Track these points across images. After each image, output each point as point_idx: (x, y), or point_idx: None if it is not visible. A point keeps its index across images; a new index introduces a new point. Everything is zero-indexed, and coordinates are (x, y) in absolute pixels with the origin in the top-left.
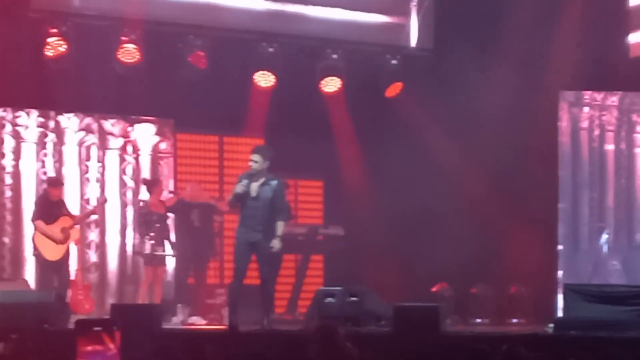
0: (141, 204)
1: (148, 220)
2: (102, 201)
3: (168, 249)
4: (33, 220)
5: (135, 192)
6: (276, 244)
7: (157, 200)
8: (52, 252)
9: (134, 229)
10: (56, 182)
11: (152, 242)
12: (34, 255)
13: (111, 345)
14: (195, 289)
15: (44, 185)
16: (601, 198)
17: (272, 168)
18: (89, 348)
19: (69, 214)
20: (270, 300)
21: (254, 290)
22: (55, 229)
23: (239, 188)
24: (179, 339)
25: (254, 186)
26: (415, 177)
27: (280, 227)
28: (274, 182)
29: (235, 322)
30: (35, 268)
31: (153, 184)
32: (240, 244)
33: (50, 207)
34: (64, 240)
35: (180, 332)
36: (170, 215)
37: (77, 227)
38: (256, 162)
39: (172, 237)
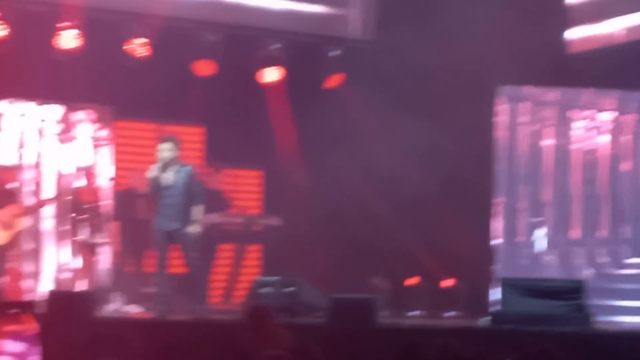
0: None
1: (78, 208)
2: (51, 197)
3: (100, 237)
4: None
5: (73, 179)
6: (194, 228)
7: (88, 187)
8: None
9: (68, 217)
10: (10, 169)
11: (83, 229)
12: None
13: (30, 325)
14: (131, 277)
15: None
16: (538, 193)
17: (213, 157)
18: (9, 328)
19: (18, 202)
20: (201, 288)
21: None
22: (2, 214)
23: (150, 173)
24: (112, 327)
25: (168, 175)
26: (353, 169)
27: (197, 211)
28: (187, 168)
29: (163, 312)
30: None
31: (80, 172)
32: (158, 234)
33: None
34: (11, 226)
35: (114, 320)
36: (106, 202)
37: (25, 217)
38: (169, 150)
39: (105, 225)
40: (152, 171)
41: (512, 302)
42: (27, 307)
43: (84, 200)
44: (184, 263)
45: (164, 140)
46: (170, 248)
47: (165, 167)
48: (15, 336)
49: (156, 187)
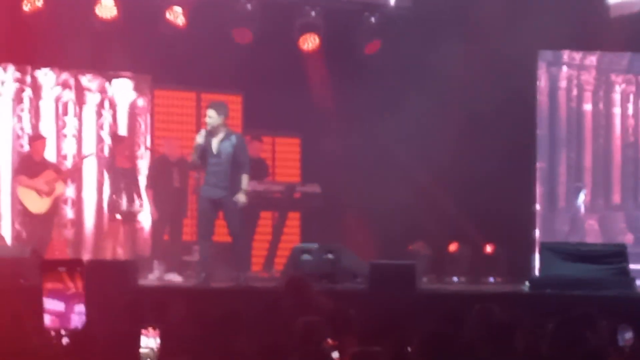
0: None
1: (114, 176)
2: (86, 155)
3: (139, 206)
4: (15, 175)
5: (111, 148)
6: (241, 197)
7: (122, 155)
8: (36, 205)
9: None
10: (40, 138)
11: (118, 197)
12: (20, 209)
13: (76, 284)
14: (171, 245)
15: (20, 141)
16: (579, 158)
17: (251, 125)
18: (54, 286)
19: (54, 168)
20: (244, 257)
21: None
22: (39, 182)
23: (198, 139)
24: (153, 295)
25: (214, 142)
26: (392, 135)
27: (245, 180)
28: (234, 137)
29: (205, 279)
30: (22, 223)
31: (117, 139)
32: (203, 202)
33: (34, 163)
34: (49, 192)
35: (155, 288)
36: (143, 170)
37: (61, 182)
38: (211, 117)
39: (142, 193)
40: (198, 137)
41: (551, 266)
42: (74, 265)
43: (123, 169)
44: (229, 232)
45: (209, 106)
46: (215, 216)
47: (211, 134)
48: (61, 295)
49: (201, 153)
